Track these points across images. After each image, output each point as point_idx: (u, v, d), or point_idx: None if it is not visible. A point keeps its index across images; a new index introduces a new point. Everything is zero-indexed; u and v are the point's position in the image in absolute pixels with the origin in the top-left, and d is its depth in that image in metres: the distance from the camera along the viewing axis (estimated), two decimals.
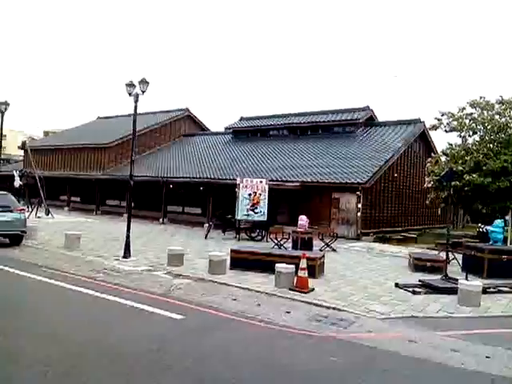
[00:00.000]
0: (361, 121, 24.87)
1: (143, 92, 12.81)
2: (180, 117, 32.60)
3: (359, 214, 18.99)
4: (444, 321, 7.30)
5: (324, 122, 25.87)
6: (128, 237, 11.59)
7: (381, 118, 26.37)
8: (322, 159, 21.90)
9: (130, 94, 12.93)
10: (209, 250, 12.14)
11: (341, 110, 26.42)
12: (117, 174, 26.59)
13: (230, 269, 10.37)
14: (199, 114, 38.23)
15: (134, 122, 12.66)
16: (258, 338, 6.09)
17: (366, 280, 10.23)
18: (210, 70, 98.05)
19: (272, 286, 8.93)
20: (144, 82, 12.72)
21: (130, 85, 12.82)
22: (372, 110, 25.82)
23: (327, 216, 19.58)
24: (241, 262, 10.51)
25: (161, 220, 23.10)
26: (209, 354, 5.24)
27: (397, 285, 9.52)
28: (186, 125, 33.28)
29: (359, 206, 19.05)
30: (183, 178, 23.55)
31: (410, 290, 9.08)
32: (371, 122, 25.54)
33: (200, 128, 34.23)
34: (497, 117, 18.28)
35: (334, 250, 14.80)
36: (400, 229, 21.79)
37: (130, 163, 12.32)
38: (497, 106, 18.42)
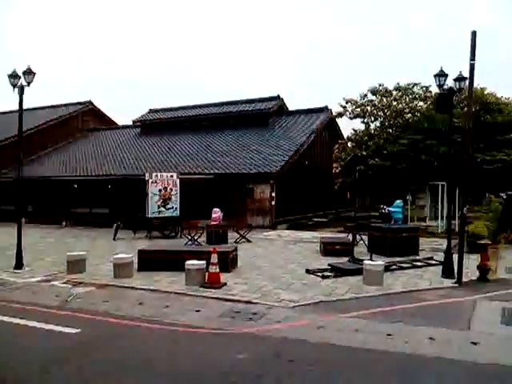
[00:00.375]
0: (272, 110, 25.12)
1: (29, 84, 11.50)
2: (83, 110, 30.32)
3: (273, 202, 19.21)
4: (351, 302, 7.48)
5: (236, 112, 25.74)
6: (19, 245, 10.39)
7: (291, 107, 26.90)
8: (235, 150, 21.78)
9: (14, 87, 11.56)
10: (116, 253, 11.35)
11: (252, 99, 26.47)
12: (9, 176, 23.98)
13: (138, 271, 9.77)
14: (104, 107, 35.93)
15: (20, 117, 11.38)
16: (160, 344, 5.68)
17: (278, 269, 10.24)
18: (113, 61, 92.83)
19: (183, 284, 8.55)
20: (29, 72, 11.40)
21: (14, 76, 11.45)
22: (282, 100, 26.22)
23: (243, 207, 19.54)
24: (150, 262, 9.93)
25: (64, 223, 21.35)
26: (103, 370, 4.73)
27: (307, 271, 9.65)
28: (90, 119, 31.06)
29: (273, 194, 19.26)
30: (88, 176, 22.00)
31: (320, 274, 9.25)
32: (282, 111, 25.94)
33: (106, 122, 32.20)
34: (394, 103, 19.53)
35: (248, 241, 14.75)
36: (312, 214, 22.49)
37: (18, 163, 11.03)
38: (394, 93, 19.68)
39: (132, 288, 8.48)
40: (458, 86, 9.57)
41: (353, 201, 28.74)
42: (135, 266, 9.84)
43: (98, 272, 9.96)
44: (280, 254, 12.59)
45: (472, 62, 8.63)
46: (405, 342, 5.60)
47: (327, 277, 9.12)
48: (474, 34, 8.59)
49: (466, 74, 9.00)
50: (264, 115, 24.98)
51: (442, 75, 9.31)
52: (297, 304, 7.31)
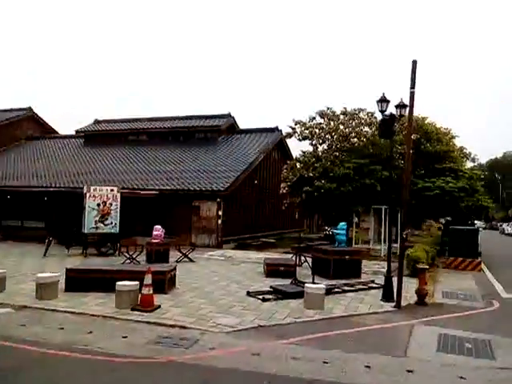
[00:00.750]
0: (222, 128, 24.91)
1: None
2: (21, 117, 28.42)
3: (220, 221, 18.78)
4: (290, 327, 7.20)
5: (185, 127, 25.28)
6: None
7: (242, 126, 26.84)
8: (183, 166, 21.25)
9: None
10: (45, 271, 10.43)
11: (202, 116, 26.17)
12: None
13: (66, 291, 8.98)
14: (48, 116, 33.81)
15: None
16: (76, 375, 5.06)
17: (219, 290, 9.81)
18: (62, 70, 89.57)
19: (112, 307, 7.90)
20: None
21: None
22: (233, 118, 26.11)
23: (187, 225, 18.93)
24: (79, 282, 9.15)
25: None
26: None
27: (248, 293, 9.30)
28: (28, 127, 29.18)
29: (220, 213, 18.83)
30: (21, 186, 20.51)
31: (261, 297, 8.92)
32: (233, 129, 25.79)
33: (46, 131, 30.43)
34: (341, 127, 19.85)
35: (191, 261, 14.18)
36: (260, 234, 22.24)
37: None
38: (341, 117, 20.02)
39: (54, 311, 7.72)
40: (399, 113, 9.82)
41: (302, 221, 28.92)
42: (62, 286, 9.05)
43: (20, 292, 9.04)
44: (222, 274, 12.15)
45: (412, 90, 8.86)
46: (341, 370, 5.38)
47: (268, 299, 8.81)
48: (414, 63, 8.84)
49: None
50: (214, 132, 24.72)
51: (383, 101, 9.51)
52: (233, 329, 6.93)
